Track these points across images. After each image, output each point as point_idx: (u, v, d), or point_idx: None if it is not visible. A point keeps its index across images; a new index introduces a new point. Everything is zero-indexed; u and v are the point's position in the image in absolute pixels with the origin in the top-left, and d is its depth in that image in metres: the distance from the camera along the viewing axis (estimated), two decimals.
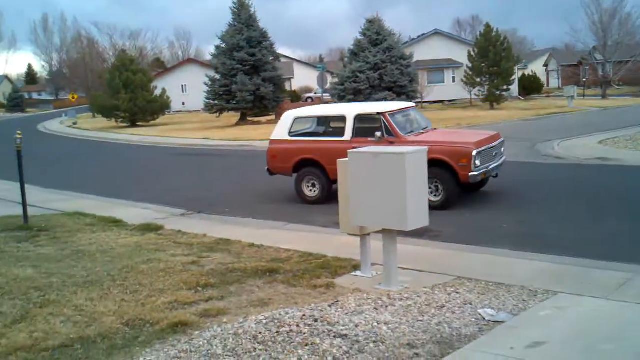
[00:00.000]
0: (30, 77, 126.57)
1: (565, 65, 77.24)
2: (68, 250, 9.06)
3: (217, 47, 39.49)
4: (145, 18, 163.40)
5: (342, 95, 34.99)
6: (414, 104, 13.95)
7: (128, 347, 5.13)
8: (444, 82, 52.87)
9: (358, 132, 12.13)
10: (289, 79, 62.59)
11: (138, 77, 43.65)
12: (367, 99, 34.00)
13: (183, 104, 55.12)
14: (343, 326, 5.30)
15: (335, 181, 12.01)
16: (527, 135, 24.46)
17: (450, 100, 52.08)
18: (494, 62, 44.23)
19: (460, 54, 50.27)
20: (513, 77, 46.55)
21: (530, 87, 59.36)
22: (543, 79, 74.22)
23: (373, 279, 7.01)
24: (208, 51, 68.08)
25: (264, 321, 5.44)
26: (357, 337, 5.10)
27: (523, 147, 20.82)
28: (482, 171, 11.24)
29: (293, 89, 64.00)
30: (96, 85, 63.17)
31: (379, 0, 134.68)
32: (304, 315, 5.55)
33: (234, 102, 37.57)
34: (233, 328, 5.35)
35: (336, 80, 37.22)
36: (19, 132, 11.16)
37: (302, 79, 69.41)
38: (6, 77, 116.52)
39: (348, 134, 12.20)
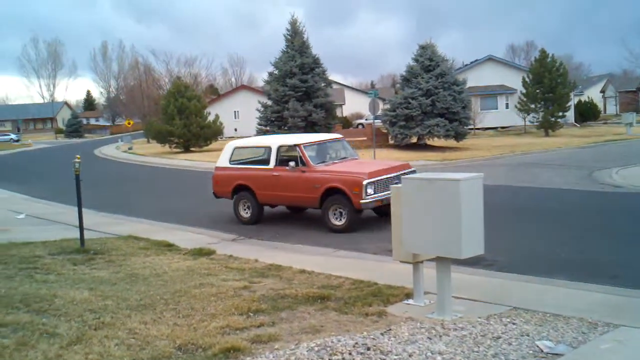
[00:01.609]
0: (89, 103, 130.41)
1: (623, 92, 75.70)
2: (122, 273, 9.19)
3: (270, 74, 39.86)
4: (200, 45, 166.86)
5: (393, 121, 34.85)
6: (340, 136, 15.39)
7: None
8: (497, 109, 52.27)
9: (281, 162, 13.57)
10: (340, 105, 62.82)
11: (192, 104, 44.32)
12: (419, 125, 33.81)
13: (235, 129, 55.82)
14: (396, 355, 5.20)
15: (263, 204, 13.94)
16: (583, 163, 23.96)
17: (503, 127, 51.42)
18: (549, 88, 43.57)
19: (514, 80, 49.75)
20: (569, 104, 45.76)
21: (587, 113, 58.29)
22: (600, 105, 72.80)
23: (426, 308, 6.89)
24: (261, 78, 69.02)
25: (316, 348, 5.38)
26: None
27: (579, 175, 20.39)
28: (375, 199, 12.36)
29: (344, 115, 64.21)
30: (151, 111, 64.48)
31: (432, 26, 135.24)
32: (356, 343, 5.48)
33: (286, 127, 37.76)
34: (285, 354, 5.31)
35: (388, 106, 37.14)
36: (77, 156, 11.43)
37: (353, 105, 69.65)
38: (66, 103, 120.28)
39: (272, 163, 13.72)
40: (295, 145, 13.49)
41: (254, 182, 13.94)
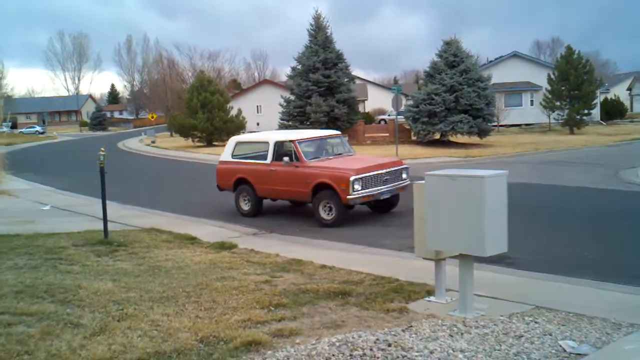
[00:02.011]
0: (113, 96, 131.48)
1: None
2: (145, 265, 9.27)
3: (293, 69, 39.82)
4: (223, 40, 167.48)
5: (416, 117, 34.68)
6: (338, 133, 15.76)
7: None
8: (521, 105, 51.81)
9: (278, 157, 13.99)
10: (363, 101, 62.63)
11: (215, 98, 44.41)
12: (442, 121, 33.62)
13: (258, 124, 55.89)
14: (417, 352, 5.19)
15: (262, 198, 14.71)
16: (608, 162, 23.70)
17: (527, 124, 50.97)
18: (574, 85, 43.06)
19: (539, 77, 49.25)
20: (595, 101, 45.17)
21: (613, 111, 57.56)
22: (626, 103, 71.82)
23: (447, 305, 6.86)
24: (284, 72, 68.97)
25: (337, 344, 5.39)
26: None
27: (604, 173, 20.16)
28: (362, 195, 12.74)
29: (366, 110, 64.05)
30: (175, 105, 64.72)
31: (457, 22, 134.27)
32: (377, 339, 5.47)
33: (308, 122, 37.73)
34: (306, 349, 5.32)
35: (410, 102, 36.99)
36: (102, 148, 11.52)
37: (376, 100, 69.36)
38: (90, 96, 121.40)
39: (269, 158, 14.19)
40: (290, 141, 13.92)
41: (253, 176, 14.51)
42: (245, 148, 15.58)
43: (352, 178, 12.57)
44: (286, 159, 13.67)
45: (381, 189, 13.11)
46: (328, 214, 13.05)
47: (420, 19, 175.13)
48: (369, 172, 12.98)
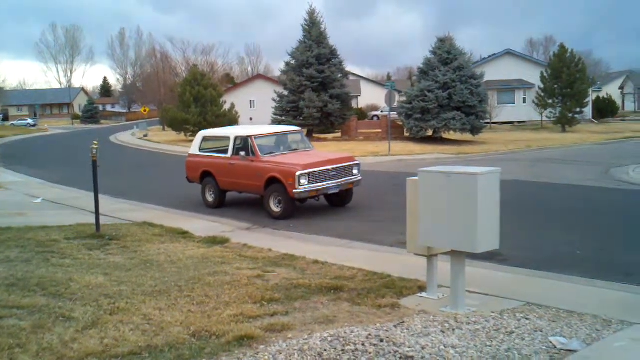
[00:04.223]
0: (105, 89, 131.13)
1: None
2: (137, 259, 9.26)
3: (287, 64, 39.79)
4: (217, 34, 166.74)
5: (409, 114, 34.70)
6: (297, 129, 16.43)
7: (195, 358, 5.16)
8: (514, 103, 51.95)
9: (236, 151, 14.51)
10: (356, 97, 62.58)
11: (208, 92, 44.15)
12: (435, 118, 33.67)
13: (251, 119, 55.73)
14: (409, 347, 5.21)
15: (224, 190, 15.19)
16: (600, 160, 23.79)
17: (520, 122, 51.12)
18: (567, 83, 43.17)
19: (532, 75, 49.41)
20: (587, 100, 45.30)
21: (605, 110, 57.79)
22: (618, 102, 72.10)
23: (439, 301, 6.89)
24: (277, 67, 68.75)
25: (329, 339, 5.40)
26: (423, 359, 5.00)
27: (596, 171, 20.24)
28: (309, 189, 13.17)
29: (360, 106, 64.02)
30: (167, 98, 64.47)
31: (452, 20, 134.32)
32: (369, 334, 5.49)
33: (301, 118, 37.75)
34: (298, 344, 5.33)
35: (404, 98, 37.02)
36: (95, 142, 11.48)
37: (369, 96, 69.38)
38: (82, 89, 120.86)
39: (230, 152, 14.77)
40: (247, 137, 14.37)
41: (215, 169, 15.10)
42: (211, 142, 16.19)
43: (298, 173, 13.00)
44: (242, 153, 14.18)
45: (329, 184, 13.53)
46: (277, 206, 13.52)
47: (414, 17, 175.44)
48: (316, 167, 13.36)
